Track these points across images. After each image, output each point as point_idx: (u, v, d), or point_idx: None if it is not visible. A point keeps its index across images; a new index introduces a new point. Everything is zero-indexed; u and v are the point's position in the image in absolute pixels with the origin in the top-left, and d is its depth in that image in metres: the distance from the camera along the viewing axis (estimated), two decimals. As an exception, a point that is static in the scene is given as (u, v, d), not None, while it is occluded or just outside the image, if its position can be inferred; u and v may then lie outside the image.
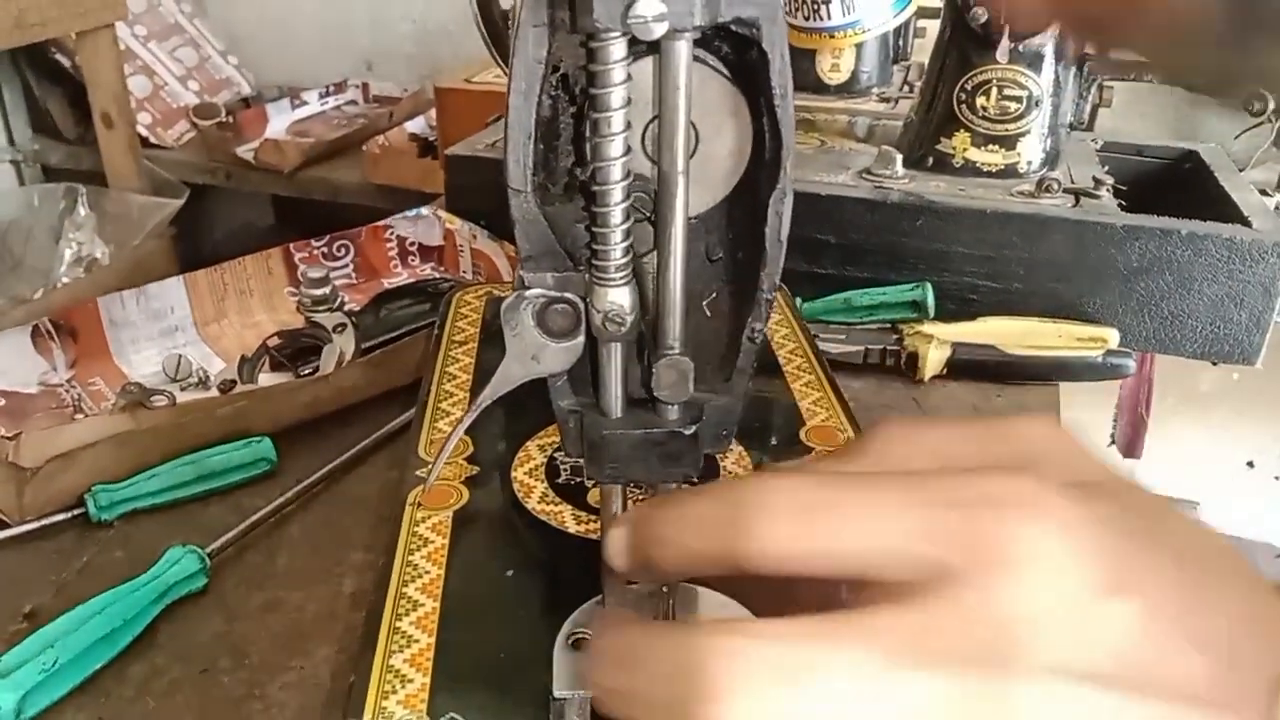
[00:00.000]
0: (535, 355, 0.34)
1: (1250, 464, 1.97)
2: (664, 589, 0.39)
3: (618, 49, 0.29)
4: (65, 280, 1.25)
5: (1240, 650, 0.26)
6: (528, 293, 0.33)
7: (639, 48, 0.30)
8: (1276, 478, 1.98)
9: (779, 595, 0.30)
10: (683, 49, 0.29)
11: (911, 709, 0.25)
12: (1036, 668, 0.25)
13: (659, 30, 0.28)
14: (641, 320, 0.34)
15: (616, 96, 0.30)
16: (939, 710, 0.25)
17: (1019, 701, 0.25)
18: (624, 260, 0.32)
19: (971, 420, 0.31)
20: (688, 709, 0.25)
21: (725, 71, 0.32)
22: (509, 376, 0.34)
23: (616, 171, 0.31)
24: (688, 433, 0.35)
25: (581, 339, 0.34)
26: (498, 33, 0.78)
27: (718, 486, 0.30)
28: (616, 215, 0.31)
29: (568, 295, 0.33)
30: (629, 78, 0.30)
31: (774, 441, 0.58)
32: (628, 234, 0.32)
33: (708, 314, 0.36)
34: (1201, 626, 0.26)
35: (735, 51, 0.32)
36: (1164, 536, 0.28)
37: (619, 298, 0.32)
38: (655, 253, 0.33)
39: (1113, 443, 1.40)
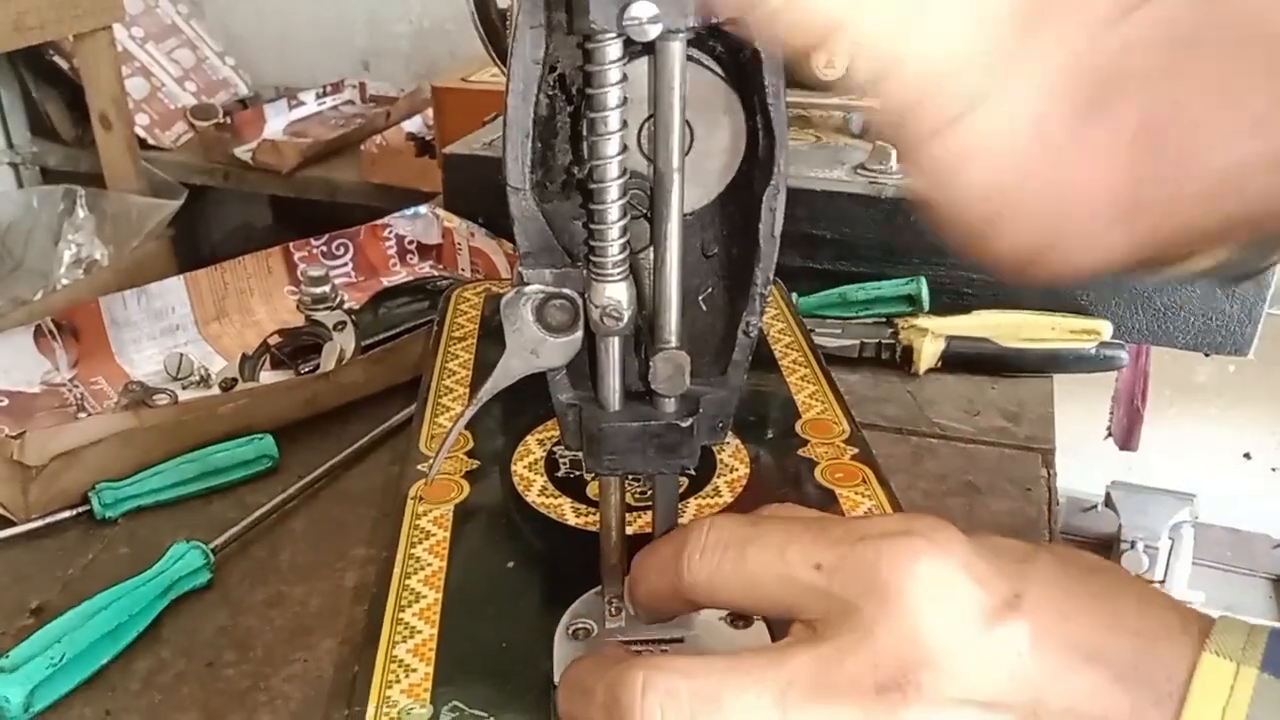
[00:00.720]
0: (534, 350, 0.35)
1: (1247, 455, 1.98)
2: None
3: (613, 50, 0.30)
4: (65, 282, 1.26)
5: (1133, 662, 0.27)
6: (527, 289, 0.34)
7: (634, 48, 0.31)
8: (1273, 469, 1.98)
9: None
10: (677, 49, 0.30)
11: None
12: (937, 698, 0.27)
13: (654, 31, 0.29)
14: (639, 315, 0.35)
15: (612, 96, 0.30)
16: None
17: None
18: (621, 256, 0.33)
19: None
20: None
21: (719, 71, 0.33)
22: (509, 371, 0.35)
23: (613, 169, 0.31)
24: (684, 425, 0.35)
25: (580, 334, 0.34)
26: (494, 32, 0.79)
27: (677, 529, 0.34)
28: (613, 212, 0.32)
29: (566, 291, 0.34)
30: (625, 78, 0.30)
31: (770, 435, 0.58)
32: (624, 230, 0.33)
33: (703, 308, 0.37)
34: (1090, 640, 0.27)
35: (729, 51, 0.33)
36: (1045, 555, 0.30)
37: (616, 293, 0.33)
38: (651, 249, 0.34)
39: (1109, 435, 1.41)
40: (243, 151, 1.72)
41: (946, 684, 0.27)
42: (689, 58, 0.31)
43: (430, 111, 1.53)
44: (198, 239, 1.90)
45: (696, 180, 0.34)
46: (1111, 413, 1.38)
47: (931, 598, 0.27)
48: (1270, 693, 0.25)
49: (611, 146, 0.31)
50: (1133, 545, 1.65)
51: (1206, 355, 0.85)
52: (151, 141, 1.79)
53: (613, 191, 0.32)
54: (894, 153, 0.91)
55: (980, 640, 0.27)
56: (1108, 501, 1.74)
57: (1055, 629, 0.27)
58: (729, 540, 0.31)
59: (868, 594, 0.28)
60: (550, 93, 0.33)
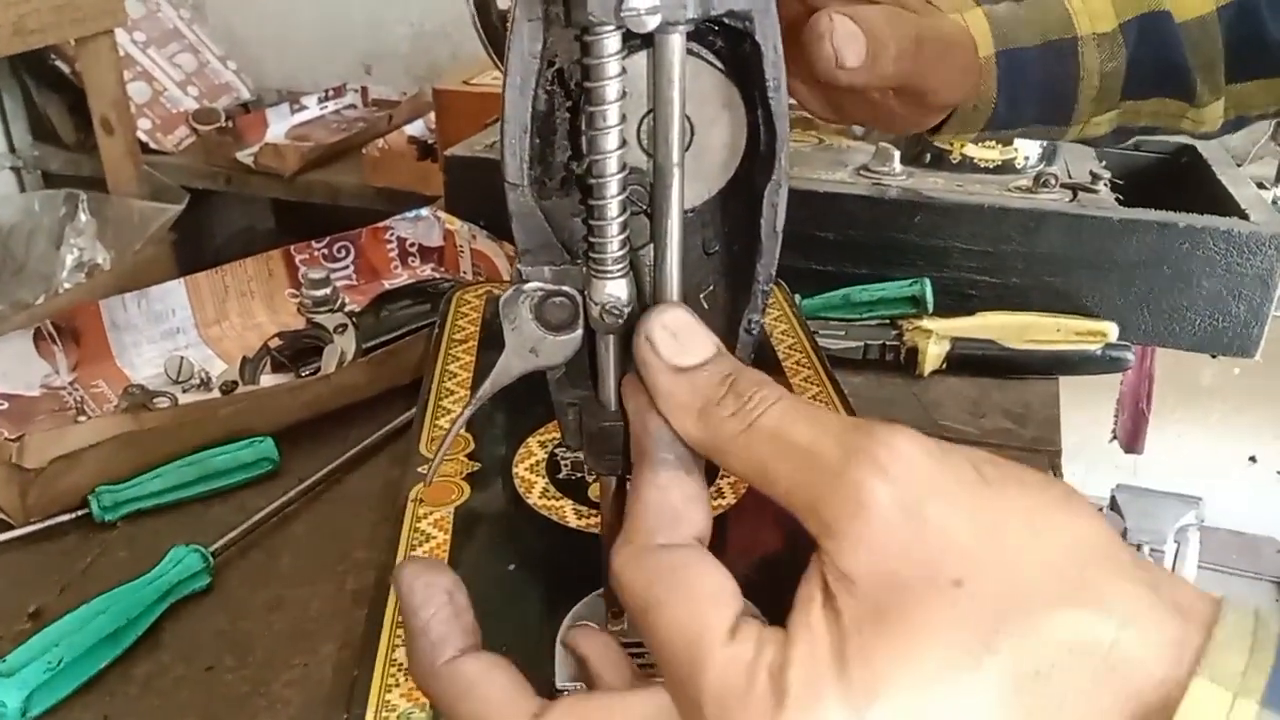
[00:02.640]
0: (534, 348, 0.34)
1: (1252, 458, 1.97)
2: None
3: (612, 42, 0.29)
4: (66, 286, 1.25)
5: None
6: (526, 286, 0.33)
7: (633, 41, 0.30)
8: (1278, 472, 1.98)
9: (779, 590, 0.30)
10: (676, 42, 0.30)
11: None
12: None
13: (652, 23, 0.28)
14: (639, 313, 0.34)
15: (611, 90, 0.30)
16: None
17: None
18: (621, 253, 0.32)
19: None
20: None
21: (719, 64, 0.33)
22: (508, 370, 0.35)
23: (612, 164, 0.31)
24: (686, 424, 0.35)
25: (580, 332, 0.34)
26: (495, 34, 0.78)
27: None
28: (613, 208, 0.32)
29: (565, 288, 0.33)
30: (623, 71, 0.30)
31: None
32: (624, 226, 0.32)
33: (705, 307, 0.37)
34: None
35: (728, 44, 0.32)
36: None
37: (616, 290, 0.33)
38: (651, 246, 0.33)
39: (1114, 438, 1.40)
40: (245, 155, 1.72)
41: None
42: (689, 51, 0.31)
43: (432, 115, 1.53)
44: (200, 243, 1.90)
45: (697, 176, 0.33)
46: (1117, 415, 1.38)
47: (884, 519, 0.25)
48: None
49: (610, 141, 0.30)
50: (1138, 548, 1.64)
51: (1213, 357, 0.85)
52: (153, 145, 1.79)
53: (612, 187, 0.31)
54: (896, 155, 0.91)
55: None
56: (1113, 504, 1.73)
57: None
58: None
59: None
60: (549, 88, 0.32)
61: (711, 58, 0.32)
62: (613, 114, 0.30)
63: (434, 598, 0.31)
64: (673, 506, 0.29)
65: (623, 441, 0.35)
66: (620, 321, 0.33)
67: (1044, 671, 0.23)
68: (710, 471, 0.53)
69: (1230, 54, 0.56)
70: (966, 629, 0.24)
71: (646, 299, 0.34)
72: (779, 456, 0.27)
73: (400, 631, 0.42)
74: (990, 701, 0.23)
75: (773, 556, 0.48)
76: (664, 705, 0.28)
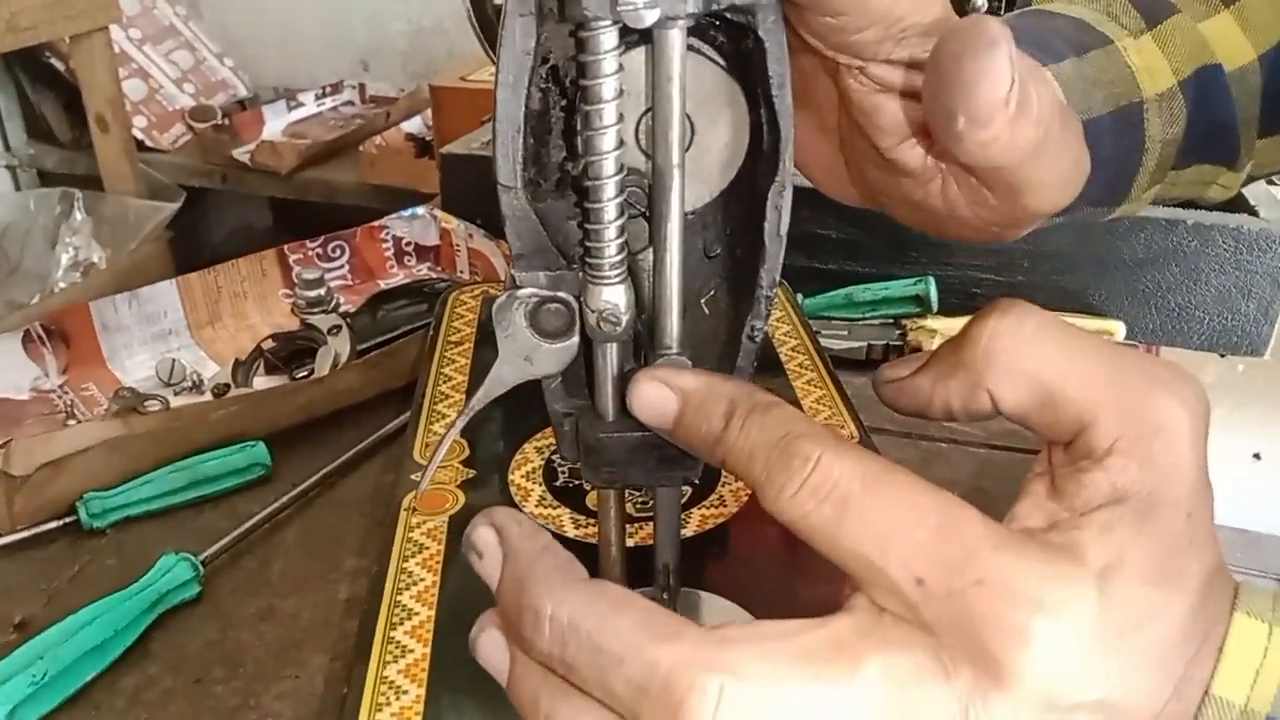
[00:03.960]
0: (528, 356, 0.33)
1: (1257, 456, 1.96)
2: (664, 595, 0.38)
3: (608, 38, 0.28)
4: (62, 285, 1.24)
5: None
6: (520, 292, 0.32)
7: (631, 37, 0.29)
8: (1283, 469, 1.97)
9: (782, 599, 0.29)
10: (676, 38, 0.28)
11: None
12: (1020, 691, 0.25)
13: (650, 18, 0.27)
14: (637, 319, 0.33)
15: (608, 88, 0.29)
16: None
17: None
18: (618, 257, 0.31)
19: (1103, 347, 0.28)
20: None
21: (720, 61, 0.31)
22: (501, 379, 0.33)
23: (609, 165, 0.29)
24: (686, 434, 0.34)
25: (576, 339, 0.33)
26: (490, 29, 0.77)
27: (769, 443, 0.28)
28: (610, 211, 0.30)
29: (561, 295, 0.32)
30: (621, 68, 0.29)
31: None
32: (621, 230, 0.31)
33: (706, 312, 0.35)
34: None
35: (730, 40, 0.31)
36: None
37: (614, 296, 0.31)
38: (650, 250, 0.32)
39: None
40: (241, 153, 1.71)
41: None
42: (689, 47, 0.29)
43: (430, 112, 1.52)
44: (197, 241, 1.89)
45: (698, 177, 0.32)
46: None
47: (1036, 689, 0.25)
48: None
49: (607, 141, 0.29)
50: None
51: (1222, 356, 0.84)
52: (149, 143, 1.77)
53: (609, 189, 0.30)
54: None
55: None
56: (1117, 503, 1.72)
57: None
58: (833, 492, 0.26)
59: (963, 648, 0.25)
60: (543, 86, 0.31)
61: (713, 54, 0.31)
62: (609, 113, 0.29)
63: (539, 531, 0.29)
64: None
65: (622, 453, 0.34)
66: (618, 329, 0.32)
67: None
68: (711, 478, 0.51)
69: (1265, 106, 0.50)
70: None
71: (645, 305, 0.33)
72: None
73: (392, 647, 0.41)
74: None
75: (774, 564, 0.47)
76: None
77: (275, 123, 1.80)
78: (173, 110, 1.85)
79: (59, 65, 1.72)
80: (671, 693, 0.25)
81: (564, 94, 0.31)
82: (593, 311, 0.32)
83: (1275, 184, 0.99)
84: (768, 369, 0.63)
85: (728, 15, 0.30)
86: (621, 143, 0.30)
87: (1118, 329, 0.79)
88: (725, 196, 0.33)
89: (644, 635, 0.26)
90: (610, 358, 0.33)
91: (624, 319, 0.32)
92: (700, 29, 0.31)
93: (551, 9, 0.29)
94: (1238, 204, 0.84)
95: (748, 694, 0.24)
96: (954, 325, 0.77)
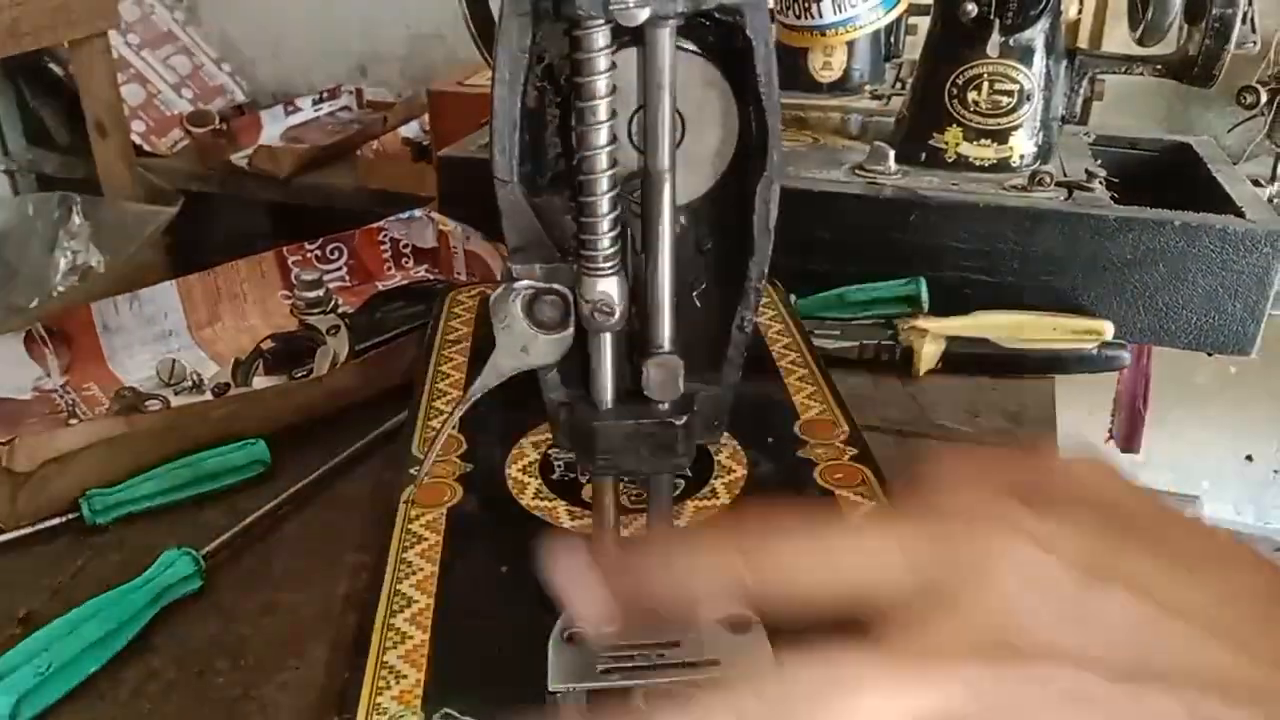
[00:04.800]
0: (525, 347, 0.34)
1: (1249, 457, 1.97)
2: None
3: (601, 37, 0.29)
4: (61, 290, 1.25)
5: (1252, 635, 0.26)
6: (516, 284, 0.33)
7: (623, 36, 0.30)
8: (1276, 471, 1.98)
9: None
10: (666, 37, 0.29)
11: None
12: (1040, 652, 0.26)
13: (642, 16, 0.28)
14: (631, 313, 0.34)
15: (601, 85, 0.30)
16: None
17: (1033, 686, 0.25)
18: (612, 250, 0.32)
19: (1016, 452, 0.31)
20: None
21: (710, 59, 0.32)
22: (498, 369, 0.34)
23: (602, 160, 0.31)
24: (679, 423, 0.35)
25: (571, 330, 0.34)
26: (488, 32, 0.78)
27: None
28: (603, 205, 0.31)
29: (556, 286, 0.33)
30: (613, 66, 0.30)
31: (769, 437, 0.57)
32: (615, 223, 0.32)
33: (697, 304, 0.36)
34: (1199, 609, 0.26)
35: (719, 39, 0.32)
36: (1149, 532, 0.29)
37: (608, 287, 0.32)
38: (643, 243, 0.33)
39: (1111, 438, 1.40)
40: (239, 158, 1.72)
41: (1046, 637, 0.26)
42: (679, 46, 0.30)
43: (427, 116, 1.53)
44: (194, 246, 1.89)
45: (689, 172, 0.33)
46: (1113, 415, 1.37)
47: (1016, 571, 0.27)
48: None
49: (601, 137, 0.30)
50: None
51: (1209, 355, 0.85)
52: (148, 148, 1.78)
53: (603, 183, 0.31)
54: (891, 154, 0.90)
55: (1075, 604, 0.26)
56: (1110, 504, 1.73)
57: (1153, 594, 0.27)
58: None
59: (954, 577, 0.27)
60: (538, 84, 0.32)
61: (702, 52, 0.32)
62: (603, 110, 0.30)
63: None
64: None
65: (617, 441, 0.35)
66: (612, 319, 0.33)
67: None
68: (705, 471, 0.52)
69: None
70: None
71: (638, 297, 0.34)
72: None
73: (390, 634, 0.42)
74: None
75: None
76: None
77: (273, 128, 1.81)
78: (171, 115, 1.86)
79: (58, 71, 1.73)
80: None
81: (558, 92, 0.32)
82: (587, 303, 0.33)
83: (1262, 185, 1.00)
84: (760, 368, 0.65)
85: (717, 15, 0.31)
86: (614, 139, 0.31)
87: (1106, 329, 0.79)
88: (716, 192, 0.34)
89: None
90: (605, 347, 0.34)
91: (618, 309, 0.33)
92: (690, 28, 0.32)
93: (547, 9, 0.30)
94: (1224, 205, 0.85)
95: None
96: (944, 325, 0.78)
